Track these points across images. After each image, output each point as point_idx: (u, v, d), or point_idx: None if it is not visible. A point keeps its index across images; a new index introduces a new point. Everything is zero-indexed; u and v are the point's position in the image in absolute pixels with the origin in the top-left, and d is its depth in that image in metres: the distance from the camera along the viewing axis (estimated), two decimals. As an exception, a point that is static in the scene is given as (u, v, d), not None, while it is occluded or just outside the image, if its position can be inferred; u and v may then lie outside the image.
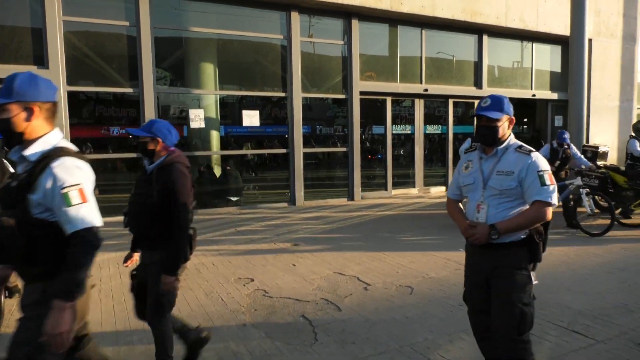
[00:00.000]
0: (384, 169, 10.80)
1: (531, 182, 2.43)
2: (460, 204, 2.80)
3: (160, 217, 2.73)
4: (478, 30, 11.44)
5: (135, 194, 2.87)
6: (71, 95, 7.86)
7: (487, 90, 11.44)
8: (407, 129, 11.24)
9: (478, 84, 11.73)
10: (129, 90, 8.30)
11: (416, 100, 11.19)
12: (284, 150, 9.73)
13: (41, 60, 7.60)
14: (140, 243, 2.91)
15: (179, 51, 9.27)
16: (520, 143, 2.58)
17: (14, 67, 7.46)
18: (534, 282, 2.47)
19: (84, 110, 8.24)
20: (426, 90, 10.93)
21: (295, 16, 9.34)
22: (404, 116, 11.40)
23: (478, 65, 11.70)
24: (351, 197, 10.12)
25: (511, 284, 2.41)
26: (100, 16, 8.03)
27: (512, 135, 2.62)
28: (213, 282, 4.91)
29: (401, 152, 11.64)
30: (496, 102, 2.55)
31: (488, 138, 2.55)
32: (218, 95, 9.87)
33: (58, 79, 7.55)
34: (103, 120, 8.89)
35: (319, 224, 7.82)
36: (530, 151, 2.51)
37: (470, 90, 11.63)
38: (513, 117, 2.60)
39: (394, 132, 10.95)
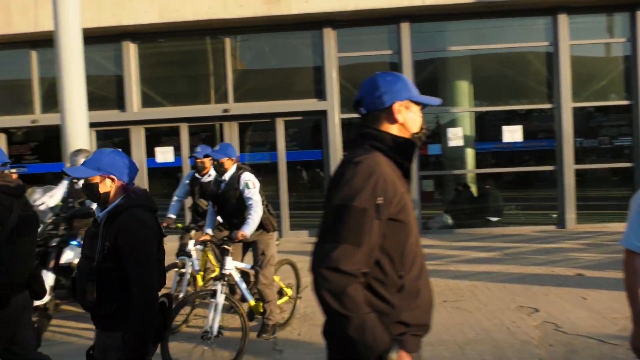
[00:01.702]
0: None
1: None
2: None
3: (113, 286, 2.02)
4: None
5: (82, 254, 2.17)
6: (345, 122, 8.81)
7: None
8: None
9: None
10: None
11: None
12: (551, 167, 8.82)
13: (320, 93, 8.78)
14: (95, 320, 2.15)
15: (434, 72, 9.46)
16: None
17: (299, 102, 8.83)
18: None
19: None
20: None
21: (563, 19, 8.44)
22: None
23: None
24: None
25: None
26: (366, 49, 8.84)
27: None
28: (492, 306, 4.68)
29: None
30: None
31: None
32: (473, 112, 9.64)
33: (333, 108, 8.59)
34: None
35: (601, 252, 6.74)
36: None
37: None
38: None
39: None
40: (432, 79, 9.40)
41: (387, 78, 1.62)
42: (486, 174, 9.42)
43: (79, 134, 5.89)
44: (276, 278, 4.41)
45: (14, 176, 2.79)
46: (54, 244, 4.35)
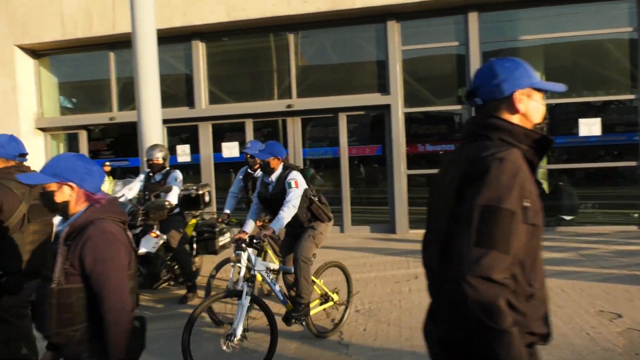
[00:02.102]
0: None
1: None
2: None
3: (78, 310, 1.76)
4: None
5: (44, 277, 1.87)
6: (407, 117, 8.67)
7: None
8: None
9: None
10: (459, 107, 8.58)
11: None
12: (632, 163, 8.20)
13: (384, 87, 8.68)
14: (56, 349, 1.88)
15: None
16: None
17: (362, 97, 8.77)
18: None
19: (417, 129, 8.95)
20: None
21: (649, 2, 7.79)
22: None
23: None
24: None
25: None
26: (431, 41, 8.62)
27: None
28: (569, 310, 4.43)
29: None
30: None
31: None
32: (545, 105, 9.13)
33: (397, 103, 8.47)
34: (433, 137, 9.41)
35: (692, 256, 6.18)
36: None
37: None
38: None
39: None
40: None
41: (506, 64, 1.50)
42: (559, 170, 8.92)
43: (153, 130, 6.20)
44: (319, 282, 4.20)
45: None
46: (132, 234, 4.60)
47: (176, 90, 9.54)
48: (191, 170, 9.38)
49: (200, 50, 9.29)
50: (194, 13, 8.70)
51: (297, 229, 4.02)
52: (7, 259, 2.64)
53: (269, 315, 3.52)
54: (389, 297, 5.06)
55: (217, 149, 9.44)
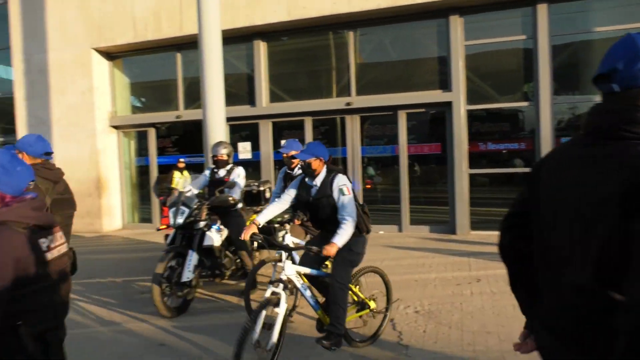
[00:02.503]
0: None
1: None
2: None
3: None
4: None
5: None
6: (469, 114, 8.41)
7: None
8: None
9: None
10: (524, 104, 8.22)
11: None
12: None
13: (445, 84, 8.46)
14: None
15: (574, 57, 8.55)
16: None
17: (423, 94, 8.60)
18: None
19: (479, 127, 8.67)
20: None
21: None
22: None
23: None
24: None
25: None
26: (496, 35, 8.30)
27: None
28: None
29: None
30: None
31: None
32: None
33: (459, 100, 8.24)
34: (495, 135, 9.10)
35: None
36: None
37: None
38: None
39: None
40: (572, 65, 8.50)
41: None
42: None
43: (217, 128, 6.41)
44: (355, 289, 3.94)
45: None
46: (198, 228, 4.79)
47: (238, 89, 9.81)
48: (251, 167, 9.62)
49: (261, 49, 9.49)
50: (256, 14, 8.91)
51: (332, 232, 3.54)
52: None
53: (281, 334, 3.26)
54: (449, 299, 4.94)
55: (276, 146, 9.62)
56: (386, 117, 9.03)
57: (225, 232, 5.08)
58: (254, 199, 5.75)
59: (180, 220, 4.60)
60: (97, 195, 10.33)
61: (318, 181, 3.63)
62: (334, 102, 9.11)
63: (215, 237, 4.86)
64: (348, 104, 8.90)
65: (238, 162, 6.90)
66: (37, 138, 3.20)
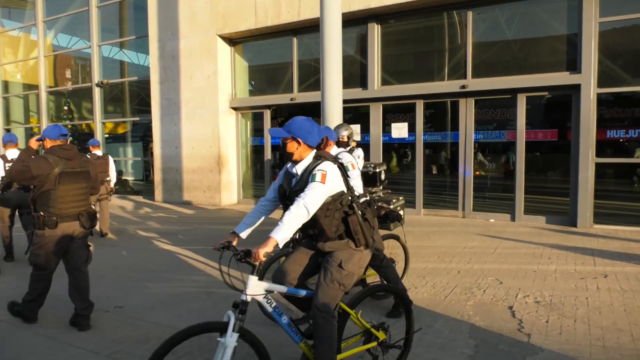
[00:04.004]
0: None
1: None
2: None
3: None
4: None
5: None
6: (599, 99, 7.75)
7: None
8: None
9: None
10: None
11: None
12: None
13: (573, 65, 7.86)
14: None
15: None
16: None
17: (546, 76, 8.07)
18: None
19: (604, 112, 7.94)
20: None
21: None
22: None
23: None
24: None
25: None
26: (636, 10, 7.49)
27: None
28: None
29: None
30: None
31: None
32: None
33: (589, 83, 7.61)
34: (624, 121, 8.28)
35: None
36: None
37: None
38: None
39: None
40: None
41: None
42: None
43: (335, 110, 6.64)
44: (356, 315, 2.93)
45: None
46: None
47: (350, 71, 9.99)
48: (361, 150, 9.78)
49: (375, 32, 9.54)
50: (372, -4, 8.96)
51: (315, 237, 2.79)
52: (46, 206, 3.86)
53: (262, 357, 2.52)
54: (573, 292, 4.72)
55: (386, 129, 9.68)
56: (501, 100, 8.65)
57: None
58: (370, 181, 5.91)
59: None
60: (217, 171, 11.24)
61: (299, 169, 2.74)
62: (447, 85, 8.91)
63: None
64: (463, 86, 8.65)
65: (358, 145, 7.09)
66: (54, 126, 4.09)
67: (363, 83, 9.79)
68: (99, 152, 8.08)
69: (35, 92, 15.67)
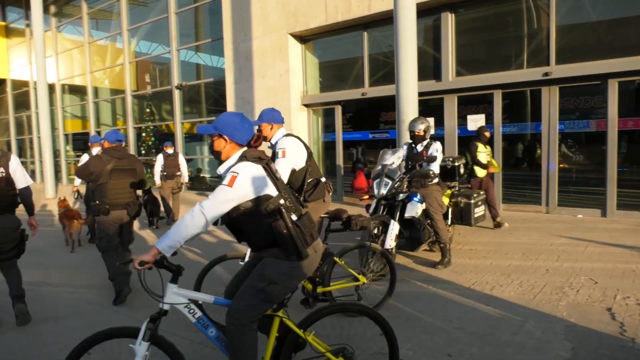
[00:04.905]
0: None
1: None
2: None
3: None
4: None
5: None
6: None
7: None
8: None
9: None
10: None
11: None
12: None
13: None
14: None
15: None
16: None
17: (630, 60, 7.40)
18: None
19: None
20: None
21: None
22: None
23: None
24: None
25: None
26: None
27: None
28: None
29: None
30: None
31: None
32: None
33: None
34: None
35: None
36: None
37: None
38: None
39: None
40: None
41: None
42: None
43: (410, 103, 6.53)
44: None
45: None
46: (399, 199, 5.01)
47: (423, 63, 9.75)
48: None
49: (449, 21, 9.24)
50: (446, -16, 8.67)
51: (258, 247, 2.50)
52: (101, 196, 4.66)
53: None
54: (681, 295, 4.30)
55: (461, 122, 9.35)
56: (585, 87, 8.05)
57: (423, 205, 5.21)
58: (449, 175, 5.75)
59: (383, 191, 4.87)
60: (290, 167, 11.41)
61: (222, 170, 2.49)
62: (528, 74, 8.43)
63: (415, 208, 5.02)
64: (546, 74, 8.15)
65: (435, 138, 6.92)
66: (113, 131, 4.90)
67: (437, 75, 9.52)
68: (170, 151, 9.30)
69: (122, 96, 16.81)
